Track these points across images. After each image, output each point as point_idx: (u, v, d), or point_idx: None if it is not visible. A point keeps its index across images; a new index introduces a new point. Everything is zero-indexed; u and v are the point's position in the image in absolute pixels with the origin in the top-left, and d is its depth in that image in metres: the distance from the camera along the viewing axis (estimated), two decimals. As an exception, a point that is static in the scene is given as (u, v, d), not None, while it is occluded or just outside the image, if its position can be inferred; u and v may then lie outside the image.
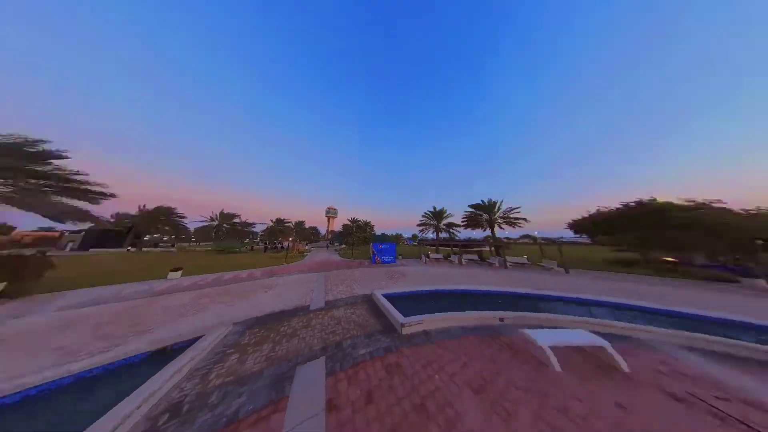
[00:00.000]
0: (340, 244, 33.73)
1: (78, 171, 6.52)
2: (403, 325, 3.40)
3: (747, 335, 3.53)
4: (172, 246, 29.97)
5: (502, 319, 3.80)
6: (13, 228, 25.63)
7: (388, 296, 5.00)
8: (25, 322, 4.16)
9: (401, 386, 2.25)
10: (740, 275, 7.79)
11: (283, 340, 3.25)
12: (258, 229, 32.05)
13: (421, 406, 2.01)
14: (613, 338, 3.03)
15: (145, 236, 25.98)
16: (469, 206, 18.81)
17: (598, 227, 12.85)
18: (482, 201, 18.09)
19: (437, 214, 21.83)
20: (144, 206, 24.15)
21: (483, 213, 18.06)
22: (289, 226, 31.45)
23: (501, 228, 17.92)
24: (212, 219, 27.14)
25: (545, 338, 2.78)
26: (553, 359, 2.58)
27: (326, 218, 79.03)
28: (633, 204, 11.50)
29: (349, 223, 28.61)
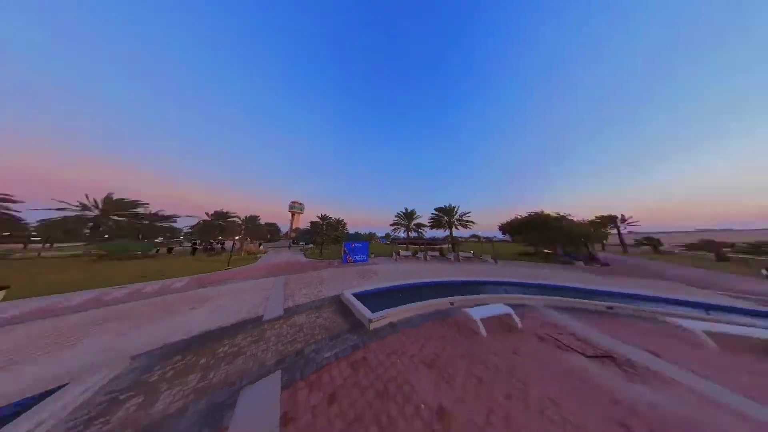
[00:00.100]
0: (307, 244, 30.35)
1: None
2: (371, 321, 3.55)
3: (578, 294, 5.93)
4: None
5: (452, 303, 4.64)
6: None
7: (358, 295, 5.03)
8: None
9: (366, 378, 2.39)
10: (573, 260, 12.98)
11: (222, 364, 2.74)
12: (188, 224, 23.69)
13: (383, 391, 2.21)
14: (516, 307, 4.36)
15: None
16: (434, 209, 21.62)
17: (515, 229, 18.02)
18: (445, 205, 21.19)
19: (408, 215, 23.56)
20: None
21: (444, 216, 21.18)
22: (236, 222, 24.68)
23: (457, 228, 21.54)
24: (84, 207, 16.34)
25: (477, 313, 3.65)
26: (482, 328, 3.45)
27: (290, 214, 67.95)
28: (533, 214, 16.83)
29: (318, 220, 26.14)
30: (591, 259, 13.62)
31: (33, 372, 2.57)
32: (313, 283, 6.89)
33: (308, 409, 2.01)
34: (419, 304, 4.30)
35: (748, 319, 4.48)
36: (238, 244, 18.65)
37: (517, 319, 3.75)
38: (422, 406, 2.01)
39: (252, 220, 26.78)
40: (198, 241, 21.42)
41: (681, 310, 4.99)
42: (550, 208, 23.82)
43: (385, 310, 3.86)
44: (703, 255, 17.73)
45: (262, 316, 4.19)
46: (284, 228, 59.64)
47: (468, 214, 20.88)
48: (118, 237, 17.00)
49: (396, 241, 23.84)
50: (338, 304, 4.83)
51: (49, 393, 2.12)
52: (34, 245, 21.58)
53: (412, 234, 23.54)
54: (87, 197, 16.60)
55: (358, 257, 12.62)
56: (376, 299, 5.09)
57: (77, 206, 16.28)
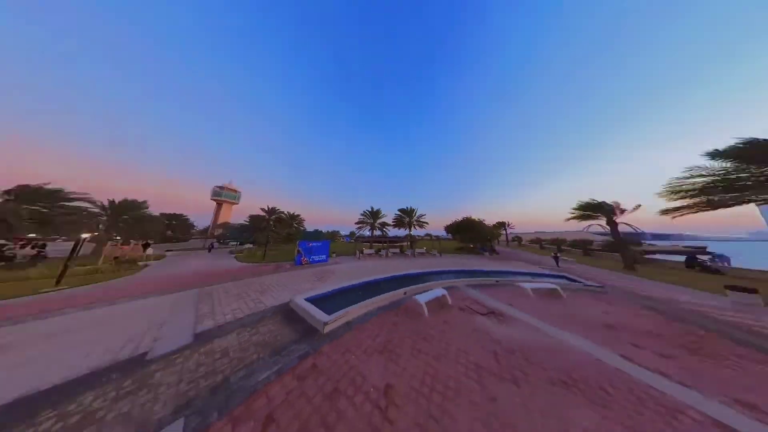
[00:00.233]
0: (242, 244, 23.41)
1: None
2: (326, 324, 3.44)
3: (482, 274, 8.64)
4: None
5: (405, 293, 5.37)
6: None
7: (312, 299, 4.66)
8: None
9: (314, 385, 2.33)
10: (483, 252, 18.86)
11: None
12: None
13: (333, 390, 2.25)
14: (449, 288, 5.75)
15: None
16: (398, 210, 23.96)
17: (454, 230, 23.27)
18: (406, 207, 23.79)
19: (374, 214, 24.12)
20: None
21: (406, 216, 23.72)
22: (82, 208, 12.69)
23: (415, 228, 24.72)
24: None
25: (423, 298, 4.50)
26: (425, 310, 4.29)
27: (214, 204, 47.46)
28: (465, 218, 22.50)
29: (263, 213, 20.91)
30: (492, 250, 20.26)
31: None
32: (249, 294, 5.58)
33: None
34: (377, 297, 4.66)
35: (546, 279, 8.53)
36: (97, 247, 11.19)
37: (449, 298, 4.98)
38: (371, 390, 2.25)
39: (132, 207, 16.76)
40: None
41: (522, 278, 8.60)
42: (476, 214, 32.61)
43: (342, 310, 3.87)
44: (536, 246, 31.36)
45: (146, 353, 2.93)
46: (203, 222, 42.29)
47: (423, 216, 24.49)
48: None
49: (361, 239, 23.75)
50: (286, 313, 4.26)
51: None
52: None
53: (377, 232, 24.42)
54: None
55: (316, 258, 11.45)
56: (334, 300, 4.95)
57: None
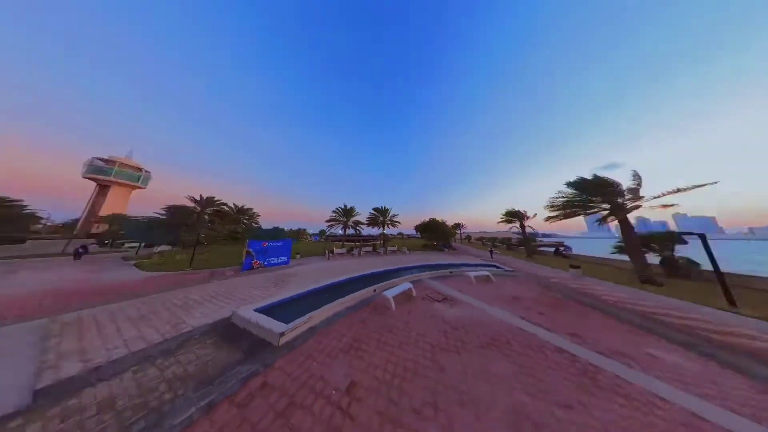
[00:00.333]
0: (148, 246, 16.55)
1: None
2: (282, 334, 3.05)
3: (441, 267, 10.09)
4: None
5: (375, 290, 5.50)
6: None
7: (265, 308, 3.99)
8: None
9: (264, 405, 2.07)
10: (444, 248, 22.10)
11: None
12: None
13: (288, 405, 2.05)
14: (414, 282, 6.37)
15: None
16: (372, 209, 24.05)
17: (422, 229, 25.88)
18: (381, 206, 24.26)
19: (347, 212, 23.07)
20: None
21: (380, 215, 24.19)
22: None
23: (388, 227, 25.64)
24: None
25: (390, 293, 4.78)
26: (392, 304, 4.57)
27: (96, 186, 29.87)
28: (431, 219, 25.47)
29: (191, 205, 15.70)
30: (450, 247, 24.01)
31: None
32: (159, 314, 4.13)
33: None
34: (345, 298, 4.55)
35: (483, 268, 11.01)
36: None
37: (413, 290, 5.51)
38: (333, 392, 2.20)
39: None
40: None
41: (468, 268, 10.75)
42: (440, 216, 37.40)
43: (304, 316, 3.55)
44: (479, 243, 39.82)
45: None
46: (70, 214, 26.49)
47: (396, 216, 25.77)
48: None
49: (331, 238, 22.21)
50: (224, 330, 3.49)
51: None
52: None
53: (350, 231, 23.57)
54: None
55: (273, 260, 9.78)
56: (294, 307, 4.46)
57: None
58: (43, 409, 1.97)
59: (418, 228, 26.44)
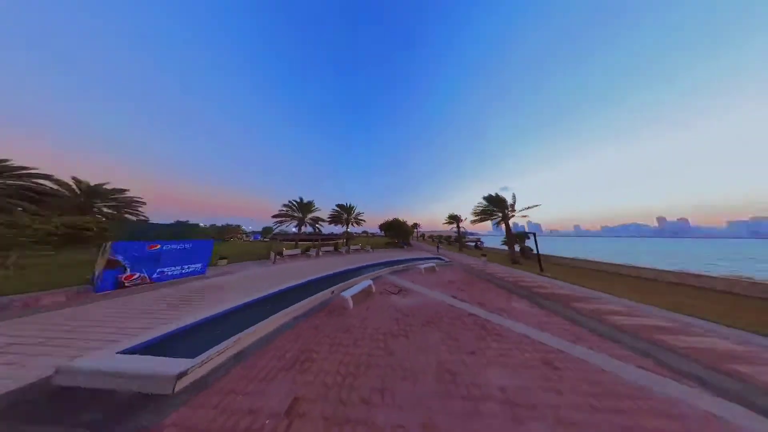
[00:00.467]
0: None
1: None
2: (179, 377, 2.20)
3: (399, 263, 11.16)
4: None
5: (332, 292, 5.19)
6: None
7: (145, 346, 2.76)
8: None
9: None
10: (403, 245, 24.62)
11: None
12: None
13: None
14: (375, 278, 6.63)
15: None
16: (336, 205, 22.53)
17: (386, 228, 27.33)
18: (345, 204, 22.98)
19: (303, 207, 19.88)
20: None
21: (344, 213, 22.91)
22: None
23: (353, 225, 24.82)
24: None
25: (349, 293, 4.72)
26: (350, 303, 4.54)
27: None
28: (393, 219, 27.47)
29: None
30: (408, 244, 27.07)
31: None
32: None
33: None
34: (294, 306, 4.02)
35: (431, 260, 13.40)
36: None
37: (374, 287, 5.73)
38: (267, 422, 1.89)
39: None
40: None
41: (419, 262, 12.70)
42: (401, 216, 40.86)
43: (227, 340, 2.78)
44: (430, 240, 47.78)
45: None
46: None
47: (362, 214, 25.46)
48: None
49: (282, 237, 18.38)
50: (39, 401, 2.07)
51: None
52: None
53: (308, 229, 20.50)
54: None
55: (172, 270, 6.76)
56: (207, 332, 3.41)
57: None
58: None
59: (382, 227, 27.62)
